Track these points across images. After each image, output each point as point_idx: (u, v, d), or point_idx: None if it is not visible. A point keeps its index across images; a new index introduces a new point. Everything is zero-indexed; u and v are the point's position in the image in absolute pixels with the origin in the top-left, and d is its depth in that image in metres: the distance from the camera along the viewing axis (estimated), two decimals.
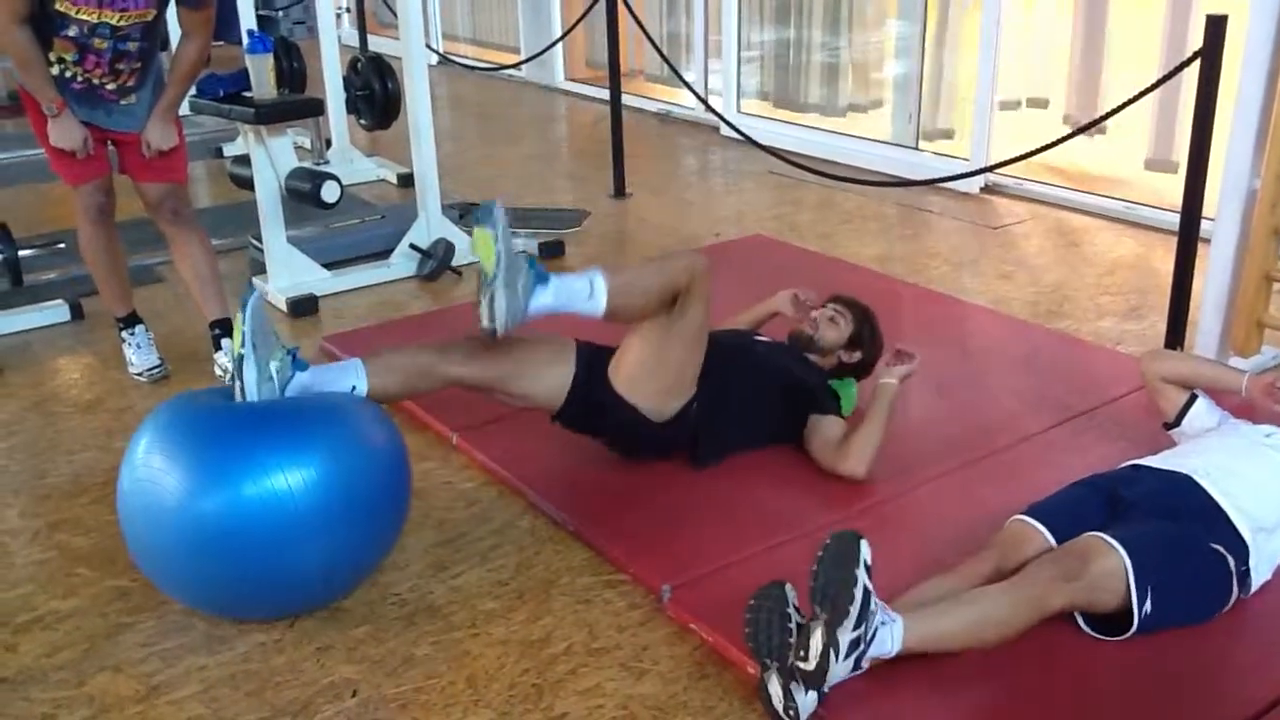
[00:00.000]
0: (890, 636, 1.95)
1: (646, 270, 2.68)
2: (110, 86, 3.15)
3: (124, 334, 3.55)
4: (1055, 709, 2.01)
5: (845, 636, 1.89)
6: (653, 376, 2.64)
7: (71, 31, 3.01)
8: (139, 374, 3.50)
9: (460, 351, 2.58)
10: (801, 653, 1.90)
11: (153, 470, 2.15)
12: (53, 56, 3.05)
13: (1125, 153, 5.21)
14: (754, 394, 2.80)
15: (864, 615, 1.90)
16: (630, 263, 2.86)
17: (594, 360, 2.69)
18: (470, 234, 2.47)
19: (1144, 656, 2.09)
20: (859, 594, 1.89)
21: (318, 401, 2.35)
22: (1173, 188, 3.95)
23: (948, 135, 5.85)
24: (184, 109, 3.40)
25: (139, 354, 3.52)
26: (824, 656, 1.87)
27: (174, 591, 2.33)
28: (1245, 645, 2.17)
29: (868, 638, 1.91)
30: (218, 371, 3.48)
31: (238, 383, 2.28)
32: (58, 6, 2.94)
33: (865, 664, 1.94)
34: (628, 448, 2.81)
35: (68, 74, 3.09)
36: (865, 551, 1.94)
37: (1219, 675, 2.10)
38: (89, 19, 2.99)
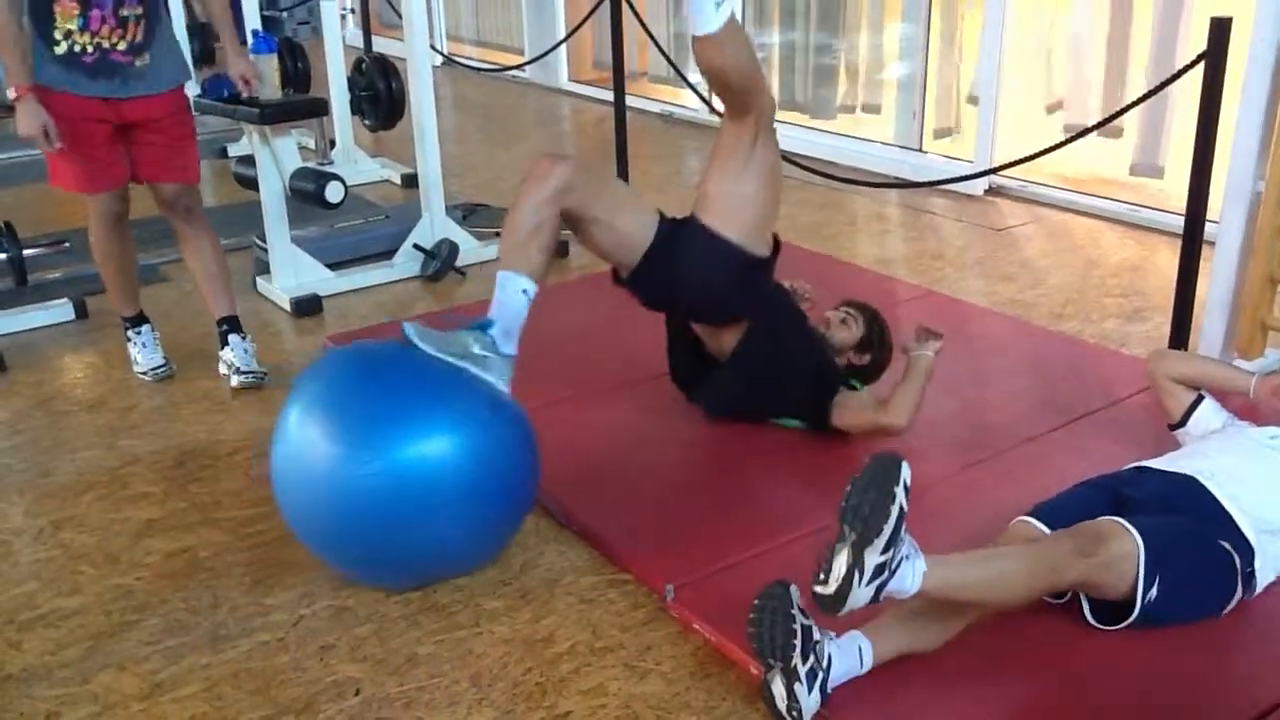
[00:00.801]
0: (912, 573, 1.88)
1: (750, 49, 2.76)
2: (121, 46, 3.10)
3: (130, 333, 3.56)
4: (1060, 709, 2.01)
5: (872, 559, 1.81)
6: (741, 211, 2.73)
7: None
8: (143, 373, 3.51)
9: (563, 177, 2.56)
10: (821, 575, 1.84)
11: (307, 432, 2.28)
12: (59, 34, 3.03)
13: (1116, 157, 5.22)
14: (805, 337, 2.87)
15: (895, 539, 1.83)
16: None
17: (674, 220, 2.79)
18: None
19: (1150, 657, 2.09)
20: (895, 513, 1.82)
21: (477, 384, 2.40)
22: (1176, 191, 3.94)
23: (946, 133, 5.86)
24: None
25: (144, 353, 3.53)
26: (846, 579, 1.80)
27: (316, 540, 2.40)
28: (1251, 647, 2.17)
29: (893, 566, 1.84)
30: (222, 369, 3.49)
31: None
32: None
33: (883, 598, 1.87)
34: (705, 295, 2.81)
35: (76, 47, 3.05)
36: (906, 473, 1.87)
37: (1224, 677, 2.10)
38: None
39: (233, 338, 3.48)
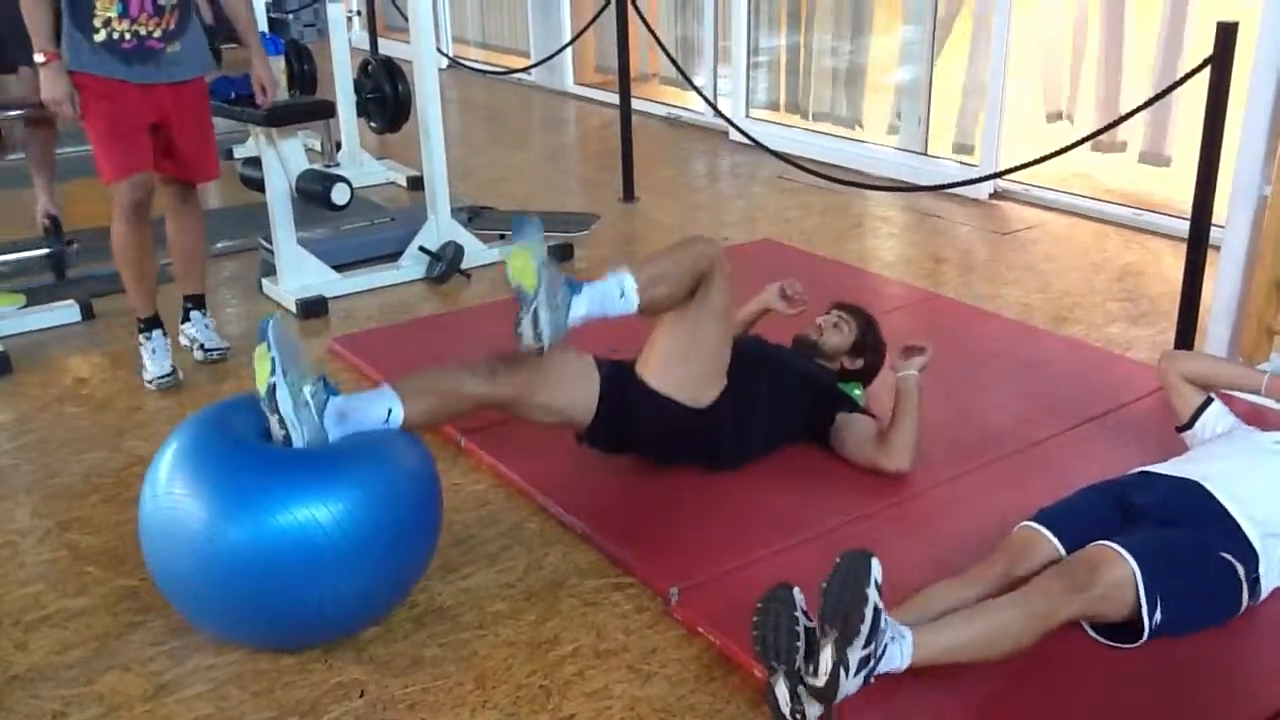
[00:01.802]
0: (900, 652, 1.95)
1: (667, 260, 2.64)
2: (157, 34, 3.20)
3: (142, 336, 3.52)
4: (1066, 712, 2.01)
5: (855, 655, 1.88)
6: (687, 364, 2.65)
7: None
8: (149, 381, 3.48)
9: (487, 370, 2.51)
10: (811, 668, 1.90)
11: (175, 498, 2.09)
12: (98, 22, 3.11)
13: (1122, 159, 5.21)
14: (783, 394, 2.81)
15: (874, 634, 1.90)
16: (644, 256, 2.86)
17: (616, 367, 2.70)
18: (505, 250, 2.44)
19: (1154, 662, 2.09)
20: (869, 613, 1.89)
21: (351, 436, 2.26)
22: (1182, 194, 3.94)
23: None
24: None
25: (154, 360, 3.49)
26: (834, 675, 1.87)
27: (191, 615, 2.27)
28: (1255, 651, 2.17)
29: (878, 654, 1.92)
30: (184, 341, 3.66)
31: (274, 416, 2.18)
32: None
33: (874, 680, 1.94)
34: (666, 450, 2.78)
35: (115, 35, 3.14)
36: (876, 570, 1.94)
37: (1229, 681, 2.10)
38: None
39: (195, 314, 3.67)
